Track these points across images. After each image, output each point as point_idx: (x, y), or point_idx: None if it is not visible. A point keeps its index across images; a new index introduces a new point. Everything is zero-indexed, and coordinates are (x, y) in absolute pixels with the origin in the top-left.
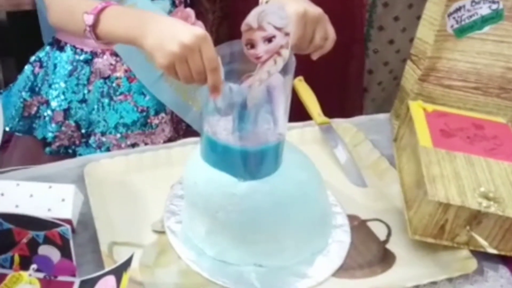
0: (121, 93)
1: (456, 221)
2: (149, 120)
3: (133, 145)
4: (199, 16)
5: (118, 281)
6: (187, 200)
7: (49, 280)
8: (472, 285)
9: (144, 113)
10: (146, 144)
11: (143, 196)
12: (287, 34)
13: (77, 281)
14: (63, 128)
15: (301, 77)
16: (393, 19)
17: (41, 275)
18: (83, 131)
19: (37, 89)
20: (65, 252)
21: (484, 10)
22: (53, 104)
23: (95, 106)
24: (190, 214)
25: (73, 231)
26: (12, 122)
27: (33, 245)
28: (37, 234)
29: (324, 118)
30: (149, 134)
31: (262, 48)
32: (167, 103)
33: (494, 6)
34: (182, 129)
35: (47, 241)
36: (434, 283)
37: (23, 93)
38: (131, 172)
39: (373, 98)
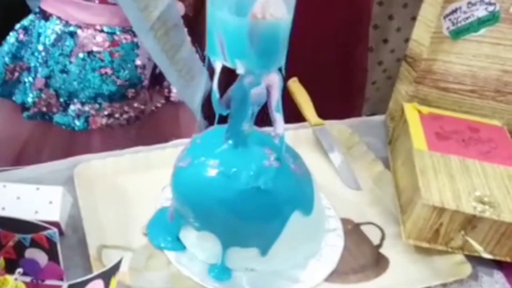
0: (102, 67)
1: (450, 225)
2: (126, 93)
3: (110, 116)
4: None
5: (107, 285)
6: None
7: (36, 284)
8: None
9: (123, 87)
10: (121, 114)
11: (134, 198)
12: None
13: (64, 285)
14: (42, 95)
15: (295, 78)
16: (388, 18)
17: (28, 279)
18: (61, 100)
19: (19, 55)
20: (52, 255)
21: (481, 12)
22: (35, 71)
23: (76, 77)
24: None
25: (61, 233)
26: None
27: (20, 248)
28: (24, 237)
29: (318, 120)
30: (126, 104)
31: None
32: (152, 56)
33: (491, 8)
34: (159, 102)
35: (34, 244)
36: None
37: (6, 59)
38: (122, 173)
39: (368, 98)
